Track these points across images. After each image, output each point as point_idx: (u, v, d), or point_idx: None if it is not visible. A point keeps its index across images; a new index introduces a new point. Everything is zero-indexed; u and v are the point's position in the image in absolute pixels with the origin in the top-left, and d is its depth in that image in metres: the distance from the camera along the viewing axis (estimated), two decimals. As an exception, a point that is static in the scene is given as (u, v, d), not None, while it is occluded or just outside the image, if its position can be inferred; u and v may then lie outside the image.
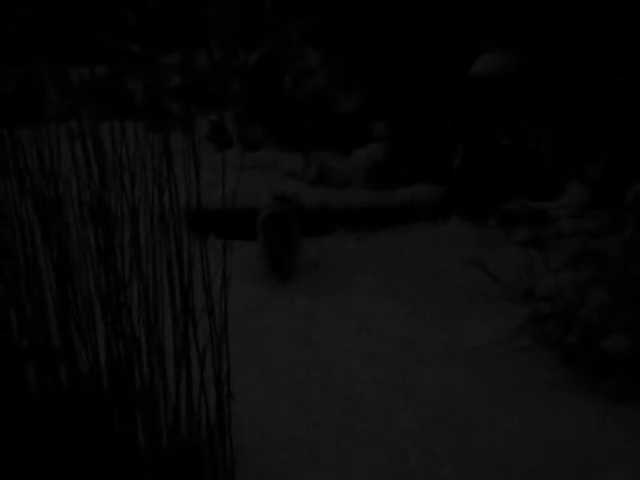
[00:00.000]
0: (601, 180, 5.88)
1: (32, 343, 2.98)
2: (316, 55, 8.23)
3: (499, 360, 4.18)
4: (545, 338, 4.08)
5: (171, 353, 2.66)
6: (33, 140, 2.71)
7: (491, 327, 4.57)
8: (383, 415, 3.69)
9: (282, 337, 4.64)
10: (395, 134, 7.78)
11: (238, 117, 8.77)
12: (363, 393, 3.92)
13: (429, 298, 5.17)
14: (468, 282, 5.35)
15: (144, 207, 2.60)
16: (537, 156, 6.26)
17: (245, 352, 4.27)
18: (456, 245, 6.13)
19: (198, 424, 2.74)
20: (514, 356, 4.14)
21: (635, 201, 4.08)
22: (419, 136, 7.49)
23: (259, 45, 8.73)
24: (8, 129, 2.82)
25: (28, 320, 2.95)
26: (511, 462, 3.26)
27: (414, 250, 6.25)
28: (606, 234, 4.09)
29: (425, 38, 7.36)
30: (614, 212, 4.26)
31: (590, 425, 3.51)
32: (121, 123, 2.64)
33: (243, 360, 4.03)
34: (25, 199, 2.85)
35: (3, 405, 3.06)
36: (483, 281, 5.29)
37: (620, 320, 3.73)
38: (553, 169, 6.14)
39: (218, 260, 2.59)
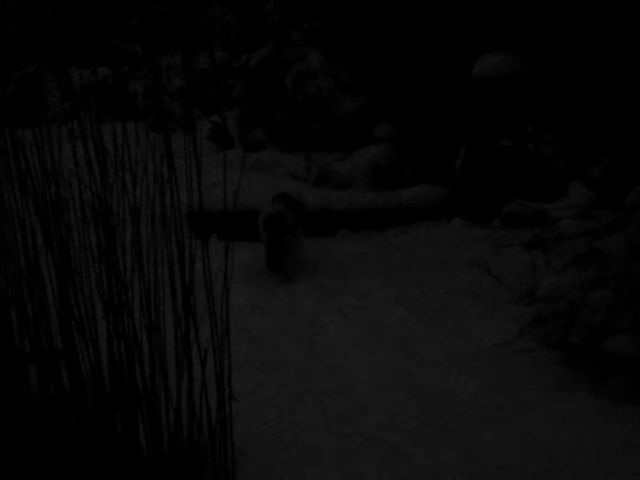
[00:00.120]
0: (603, 181, 5.88)
1: (34, 345, 2.98)
2: (318, 57, 8.23)
3: (502, 361, 4.18)
4: (547, 339, 4.08)
5: (172, 354, 2.65)
6: (35, 141, 2.70)
7: (494, 328, 4.56)
8: (385, 417, 3.68)
9: (283, 338, 4.64)
10: (397, 135, 7.79)
11: (240, 118, 8.78)
12: (365, 395, 3.91)
13: (431, 299, 5.16)
14: (471, 283, 5.35)
15: (145, 208, 2.60)
16: (539, 157, 6.27)
17: (246, 353, 4.27)
18: (459, 246, 6.13)
19: (199, 426, 2.73)
20: (517, 357, 4.14)
21: (637, 201, 4.07)
22: (421, 137, 7.50)
23: (261, 47, 8.73)
24: (10, 130, 2.81)
25: (30, 322, 2.95)
26: (514, 464, 3.25)
27: (416, 251, 6.25)
28: (608, 234, 4.08)
29: (427, 40, 7.36)
30: (616, 212, 4.26)
31: (593, 426, 3.50)
32: (123, 124, 2.64)
33: (244, 361, 4.03)
34: (27, 200, 2.85)
35: (5, 408, 3.06)
36: (486, 282, 5.30)
37: (623, 320, 3.72)
38: (555, 170, 6.15)
39: (220, 261, 2.58)
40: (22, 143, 2.79)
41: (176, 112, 9.29)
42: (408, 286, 5.43)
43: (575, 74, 6.15)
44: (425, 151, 7.44)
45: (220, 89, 9.67)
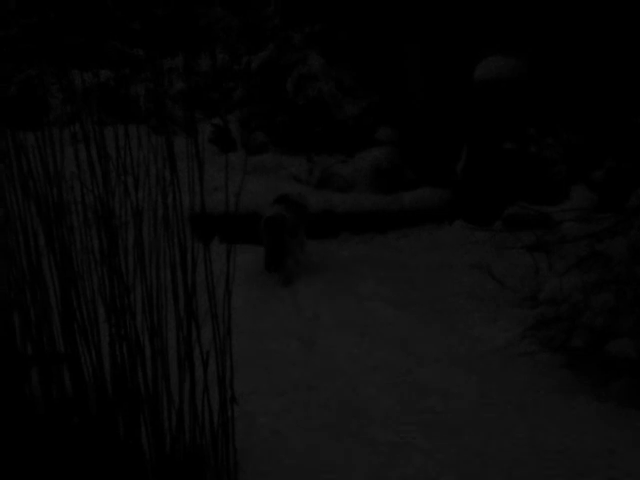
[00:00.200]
0: (605, 184, 5.88)
1: (36, 348, 2.98)
2: (319, 60, 8.24)
3: (504, 364, 4.17)
4: (550, 342, 4.08)
5: (175, 357, 2.65)
6: (37, 144, 2.70)
7: (496, 331, 4.56)
8: (386, 419, 3.67)
9: (285, 340, 4.64)
10: (399, 138, 7.79)
11: (241, 121, 8.78)
12: (366, 397, 3.90)
13: (433, 302, 5.16)
14: (473, 286, 5.35)
15: (148, 211, 2.60)
16: (541, 160, 6.26)
17: (248, 355, 4.26)
18: (461, 249, 6.13)
19: (202, 428, 2.73)
20: (519, 360, 4.13)
21: (639, 204, 4.07)
22: (423, 140, 7.50)
23: (262, 50, 8.74)
24: (12, 132, 2.81)
25: (32, 324, 2.95)
26: (516, 466, 3.25)
27: (418, 254, 6.25)
28: (611, 237, 4.08)
29: (429, 43, 7.36)
30: (619, 215, 4.26)
31: (596, 429, 3.49)
32: (125, 127, 2.64)
33: (246, 364, 4.03)
34: (29, 203, 2.85)
35: (7, 411, 3.06)
36: (488, 285, 5.30)
37: (625, 323, 3.71)
38: (557, 173, 6.15)
39: (222, 263, 2.58)
40: (24, 146, 2.79)
41: (178, 115, 9.30)
42: (410, 288, 5.43)
43: (577, 77, 6.15)
44: (427, 154, 7.44)
45: (221, 92, 9.68)
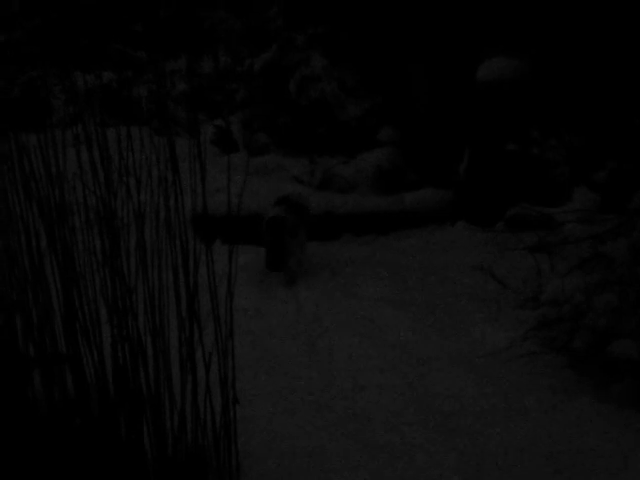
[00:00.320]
0: (608, 185, 5.87)
1: (38, 349, 2.98)
2: (322, 61, 8.24)
3: (506, 366, 4.17)
4: (552, 343, 4.07)
5: (177, 358, 2.65)
6: (39, 145, 2.71)
7: (498, 332, 4.55)
8: (389, 422, 3.67)
9: (287, 341, 4.64)
10: (401, 139, 7.79)
11: (244, 122, 8.79)
12: (369, 400, 3.90)
13: (435, 303, 5.16)
14: (475, 287, 5.34)
15: (150, 212, 2.60)
16: (544, 162, 6.26)
17: (251, 357, 4.27)
18: (463, 250, 6.13)
19: (204, 429, 2.73)
20: (521, 362, 4.13)
21: (642, 205, 4.07)
22: (425, 141, 7.50)
23: (265, 51, 8.75)
24: (14, 134, 2.82)
25: (34, 326, 2.95)
26: (516, 467, 3.25)
27: (420, 255, 6.24)
28: (613, 238, 4.08)
29: (431, 44, 7.36)
30: (621, 216, 4.26)
31: (598, 430, 3.49)
32: (127, 128, 2.65)
33: (248, 364, 4.03)
34: (31, 204, 2.86)
35: (9, 413, 3.07)
36: (490, 286, 5.29)
37: (628, 324, 3.71)
38: (560, 174, 6.14)
39: (224, 264, 2.58)
40: (27, 147, 2.80)
41: (180, 116, 9.31)
42: (411, 289, 5.43)
43: (580, 78, 6.14)
44: (429, 155, 7.44)
45: (224, 93, 9.69)
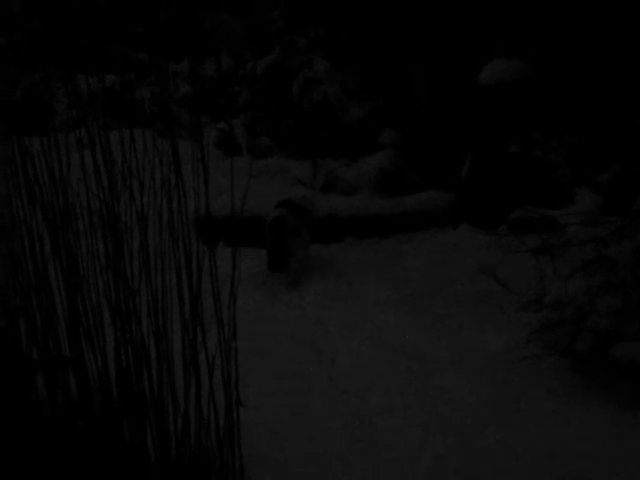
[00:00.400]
0: (611, 187, 5.87)
1: (42, 352, 2.98)
2: (324, 63, 8.24)
3: (509, 368, 4.17)
4: (555, 345, 4.07)
5: (180, 361, 2.66)
6: (42, 149, 2.71)
7: (501, 335, 4.55)
8: (392, 425, 3.67)
9: (289, 344, 4.64)
10: (403, 141, 7.79)
11: (246, 125, 8.78)
12: (371, 402, 3.91)
13: (438, 306, 5.15)
14: (478, 289, 5.34)
15: (153, 215, 2.60)
16: (546, 164, 6.26)
17: (254, 360, 4.27)
18: (465, 253, 6.12)
19: (207, 432, 2.73)
20: (524, 364, 4.13)
21: (645, 207, 4.07)
22: (427, 143, 7.49)
23: (267, 54, 8.75)
24: (17, 137, 2.82)
25: (38, 329, 2.95)
26: (519, 469, 3.25)
27: (423, 257, 6.24)
28: (616, 241, 4.07)
29: (433, 46, 7.36)
30: (624, 219, 4.25)
31: (600, 432, 3.49)
32: (130, 131, 2.65)
33: (252, 368, 4.03)
34: (34, 208, 2.86)
35: (13, 416, 3.07)
36: (493, 288, 5.29)
37: (630, 326, 3.71)
38: (562, 177, 6.14)
39: (227, 267, 2.58)
40: (30, 151, 2.80)
41: (183, 119, 9.31)
42: (415, 293, 5.42)
43: (582, 79, 6.14)
44: (431, 157, 7.43)
45: (227, 96, 9.68)
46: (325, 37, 8.44)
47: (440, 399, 3.91)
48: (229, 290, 2.58)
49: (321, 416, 3.75)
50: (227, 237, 5.81)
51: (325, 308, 5.21)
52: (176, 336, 2.65)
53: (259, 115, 8.67)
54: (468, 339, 4.62)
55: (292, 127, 8.29)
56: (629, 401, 3.71)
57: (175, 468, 2.76)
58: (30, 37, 11.30)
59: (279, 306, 5.31)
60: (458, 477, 3.22)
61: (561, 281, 4.16)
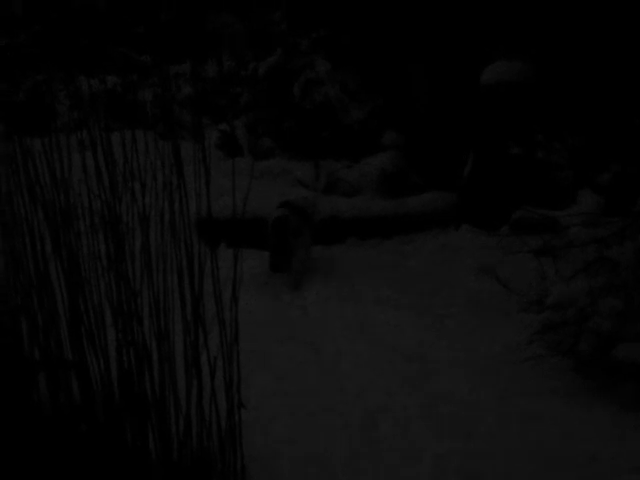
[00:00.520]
0: (612, 188, 5.87)
1: (43, 353, 2.99)
2: (325, 64, 8.24)
3: (511, 368, 4.16)
4: (557, 347, 4.07)
5: (182, 362, 2.65)
6: (44, 150, 2.72)
7: (502, 336, 4.55)
8: (393, 424, 3.67)
9: (292, 345, 4.64)
10: (405, 142, 7.79)
11: (248, 126, 8.79)
12: (373, 402, 3.90)
13: (440, 307, 5.15)
14: (479, 290, 5.34)
15: (155, 216, 2.60)
16: (548, 165, 6.26)
17: (255, 361, 4.26)
18: (467, 253, 6.12)
19: (209, 433, 2.73)
20: (526, 365, 4.12)
21: (646, 209, 4.07)
22: (429, 144, 7.50)
23: (269, 55, 8.75)
24: (19, 138, 2.83)
25: (39, 330, 2.96)
26: (521, 470, 3.24)
27: (425, 258, 6.24)
28: (618, 242, 4.07)
29: (433, 47, 7.37)
30: (626, 220, 4.25)
31: (602, 433, 3.48)
32: (132, 133, 2.65)
33: (253, 368, 4.03)
34: (36, 208, 2.86)
35: (15, 417, 3.07)
36: (495, 289, 5.29)
37: (632, 327, 3.71)
38: (564, 178, 6.14)
39: (228, 268, 2.58)
40: (31, 151, 2.80)
41: (185, 120, 9.31)
42: (416, 293, 5.42)
43: (583, 80, 6.14)
44: (433, 158, 7.43)
45: (228, 97, 9.69)
46: (326, 38, 8.45)
47: (440, 399, 3.91)
48: (231, 291, 2.58)
49: (323, 416, 3.75)
50: (229, 238, 5.82)
51: (327, 308, 5.22)
52: (178, 337, 2.65)
53: (261, 116, 8.68)
54: (469, 339, 4.62)
55: (294, 128, 8.29)
56: (631, 402, 3.70)
57: (177, 469, 2.76)
58: (32, 39, 11.32)
59: (281, 306, 5.32)
60: (458, 477, 3.22)
61: (563, 282, 4.16)
